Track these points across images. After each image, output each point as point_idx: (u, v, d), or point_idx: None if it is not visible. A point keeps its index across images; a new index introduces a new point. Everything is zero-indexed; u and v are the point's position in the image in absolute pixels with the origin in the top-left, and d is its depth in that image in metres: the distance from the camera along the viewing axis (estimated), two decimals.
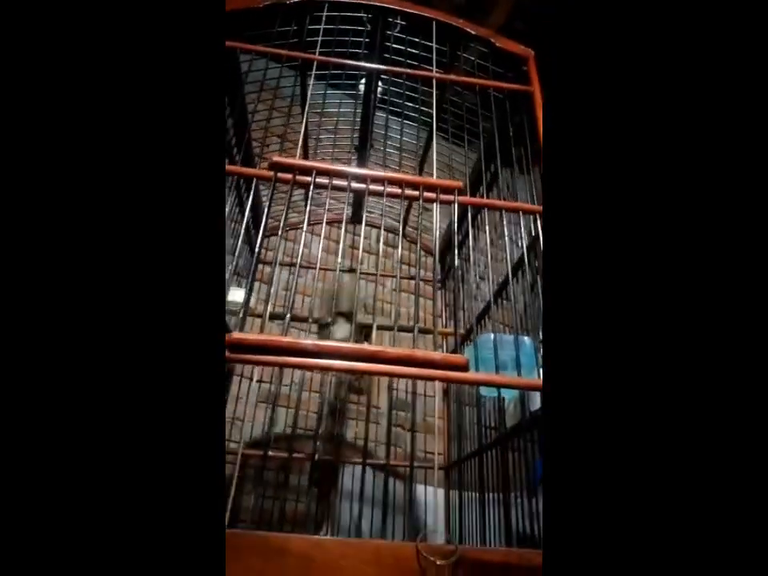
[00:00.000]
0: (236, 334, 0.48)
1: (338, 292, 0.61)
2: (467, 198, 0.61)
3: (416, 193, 0.61)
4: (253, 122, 0.87)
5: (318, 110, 1.06)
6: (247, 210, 0.59)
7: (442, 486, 1.19)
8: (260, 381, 1.35)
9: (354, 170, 0.61)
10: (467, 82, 0.76)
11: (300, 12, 0.83)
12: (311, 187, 0.59)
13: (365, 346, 0.49)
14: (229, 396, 1.14)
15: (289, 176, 0.59)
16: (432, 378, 0.50)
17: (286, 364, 0.48)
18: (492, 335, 0.63)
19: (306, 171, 0.60)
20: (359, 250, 0.61)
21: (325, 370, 0.46)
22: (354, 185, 0.61)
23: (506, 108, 0.83)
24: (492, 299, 0.74)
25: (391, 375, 0.49)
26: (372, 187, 0.61)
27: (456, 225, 0.61)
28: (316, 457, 0.97)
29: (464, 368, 0.51)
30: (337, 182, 0.60)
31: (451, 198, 0.62)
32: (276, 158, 0.60)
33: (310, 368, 0.47)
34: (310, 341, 0.48)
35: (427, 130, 1.06)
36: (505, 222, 0.66)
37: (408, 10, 0.81)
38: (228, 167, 0.59)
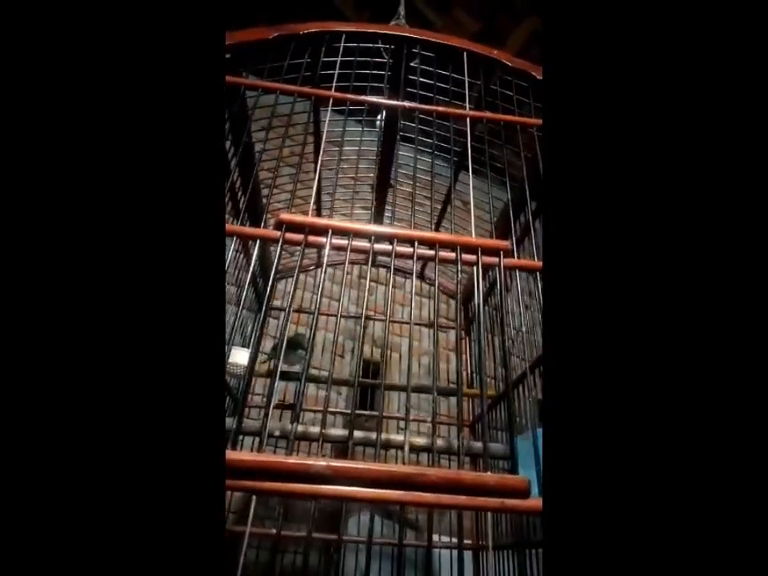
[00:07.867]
0: (231, 455, 0.37)
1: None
2: (515, 261, 0.50)
3: (452, 255, 0.51)
4: (261, 160, 0.78)
5: (333, 139, 0.94)
6: (248, 279, 0.49)
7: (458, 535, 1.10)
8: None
9: (376, 228, 0.51)
10: (507, 120, 0.66)
11: (315, 43, 0.75)
12: (326, 250, 0.49)
13: (398, 467, 0.38)
14: None
15: (299, 236, 0.49)
16: (485, 509, 0.38)
17: (293, 493, 0.37)
18: None
19: (319, 230, 0.50)
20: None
21: (344, 499, 0.34)
22: (378, 246, 0.50)
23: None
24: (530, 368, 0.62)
25: (432, 507, 0.37)
26: (399, 249, 0.50)
27: (501, 293, 0.50)
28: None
29: (524, 493, 0.39)
30: (357, 243, 0.50)
31: (495, 260, 0.51)
32: (284, 216, 0.49)
33: (324, 497, 0.35)
34: (323, 462, 0.37)
35: (454, 162, 0.97)
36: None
37: (436, 40, 0.72)
38: (228, 227, 0.49)
